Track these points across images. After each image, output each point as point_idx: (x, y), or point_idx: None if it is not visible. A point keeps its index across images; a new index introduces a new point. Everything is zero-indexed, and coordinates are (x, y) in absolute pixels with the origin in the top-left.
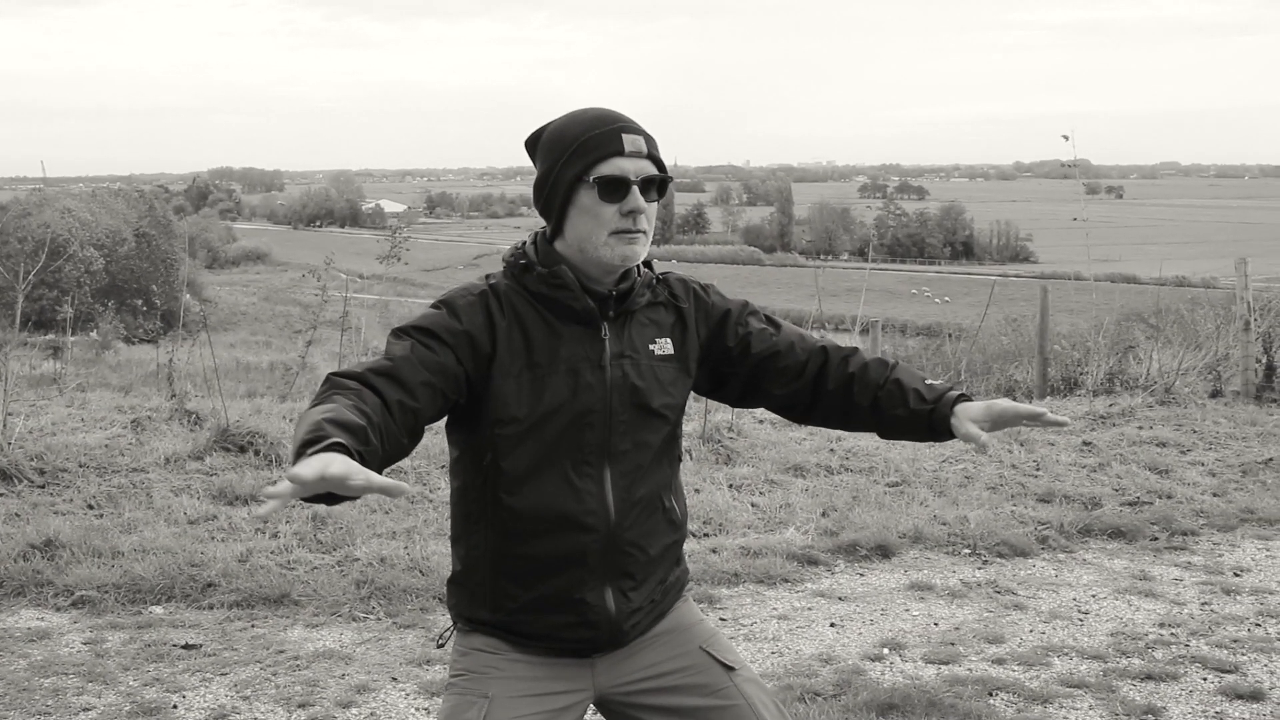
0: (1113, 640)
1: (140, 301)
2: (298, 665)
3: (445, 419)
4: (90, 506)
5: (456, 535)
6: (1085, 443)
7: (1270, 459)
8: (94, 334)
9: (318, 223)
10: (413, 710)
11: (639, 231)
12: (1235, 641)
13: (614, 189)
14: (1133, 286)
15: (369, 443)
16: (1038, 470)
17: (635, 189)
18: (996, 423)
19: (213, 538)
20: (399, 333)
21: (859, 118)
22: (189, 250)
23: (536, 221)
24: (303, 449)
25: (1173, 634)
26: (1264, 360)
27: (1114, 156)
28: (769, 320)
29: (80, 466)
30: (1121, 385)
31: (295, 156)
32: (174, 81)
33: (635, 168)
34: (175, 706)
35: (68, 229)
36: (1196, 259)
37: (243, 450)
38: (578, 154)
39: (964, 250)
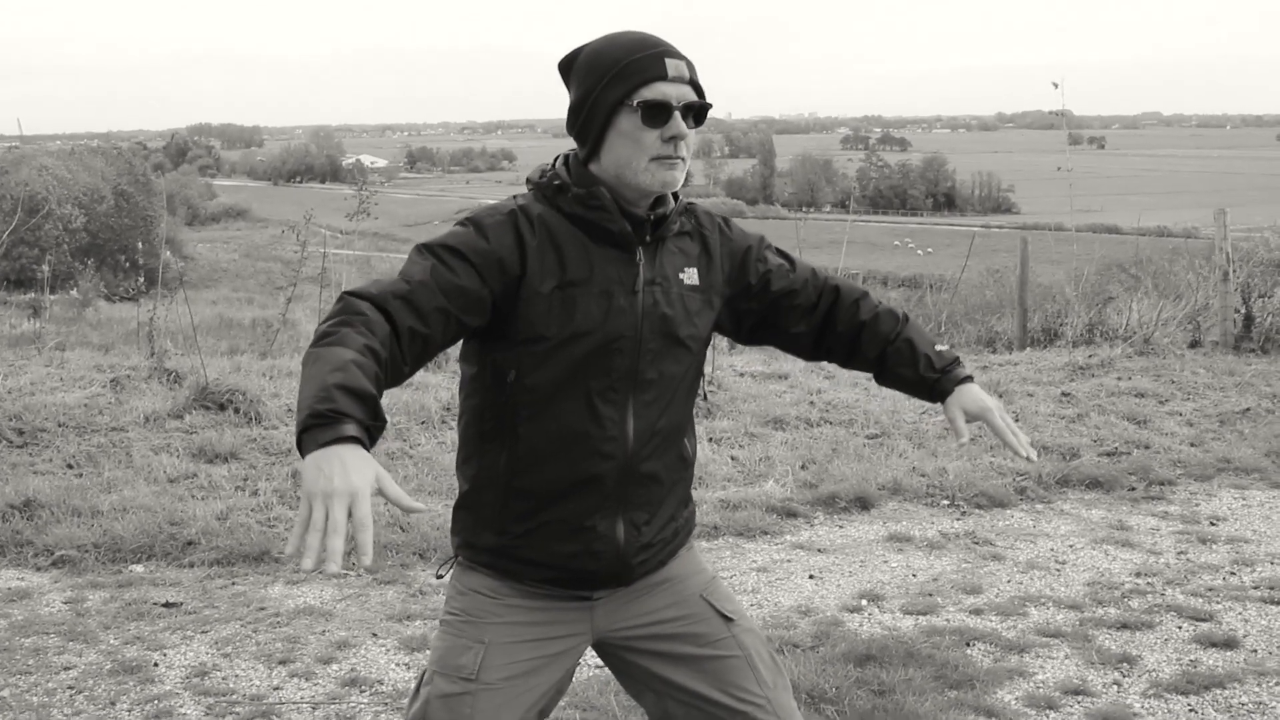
0: (1089, 590)
1: (123, 257)
2: (278, 622)
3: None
4: (69, 466)
5: (467, 455)
6: (1064, 393)
7: (1247, 409)
8: (74, 292)
9: (298, 178)
10: (393, 665)
11: (679, 158)
12: (1210, 590)
13: (657, 114)
14: (1114, 237)
15: (378, 417)
16: (1016, 421)
17: (678, 114)
18: (982, 423)
19: (193, 496)
20: (422, 249)
21: (839, 70)
22: (169, 207)
23: (518, 176)
24: (311, 422)
25: (1149, 583)
26: (1242, 311)
27: (1096, 107)
28: (783, 255)
29: (59, 426)
30: (1101, 336)
31: (274, 112)
32: (148, 36)
33: (677, 93)
34: (156, 664)
35: (45, 187)
36: (1178, 209)
37: (222, 408)
38: (620, 77)
39: (946, 201)
